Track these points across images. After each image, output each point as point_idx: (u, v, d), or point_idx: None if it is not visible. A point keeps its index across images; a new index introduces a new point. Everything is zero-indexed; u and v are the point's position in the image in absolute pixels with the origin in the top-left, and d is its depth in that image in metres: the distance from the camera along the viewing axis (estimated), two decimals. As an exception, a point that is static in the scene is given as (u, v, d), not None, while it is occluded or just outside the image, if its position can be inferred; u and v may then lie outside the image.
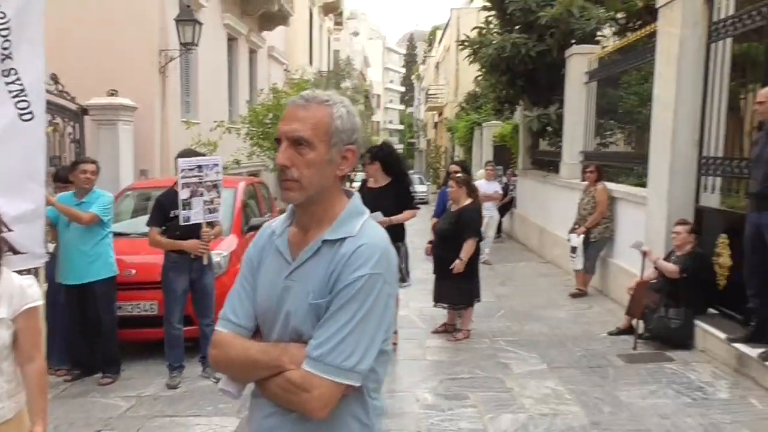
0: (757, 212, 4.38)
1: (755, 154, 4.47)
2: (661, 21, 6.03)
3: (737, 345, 4.63)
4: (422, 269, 6.43)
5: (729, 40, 5.28)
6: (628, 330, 5.69)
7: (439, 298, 5.97)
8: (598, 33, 10.63)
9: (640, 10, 9.23)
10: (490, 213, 10.24)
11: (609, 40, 10.73)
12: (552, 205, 10.09)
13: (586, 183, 7.70)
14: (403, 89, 74.66)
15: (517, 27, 11.01)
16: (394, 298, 1.50)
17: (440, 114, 37.08)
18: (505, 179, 13.15)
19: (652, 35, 6.40)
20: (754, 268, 4.47)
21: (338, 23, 31.97)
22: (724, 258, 5.15)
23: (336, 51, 31.90)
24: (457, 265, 5.63)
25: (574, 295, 7.46)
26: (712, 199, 5.60)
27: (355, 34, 47.29)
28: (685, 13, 5.53)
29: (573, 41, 10.05)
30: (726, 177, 5.35)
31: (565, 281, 8.17)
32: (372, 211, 1.62)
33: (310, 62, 22.29)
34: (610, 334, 5.85)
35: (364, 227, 1.49)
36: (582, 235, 7.30)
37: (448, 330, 6.01)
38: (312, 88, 15.14)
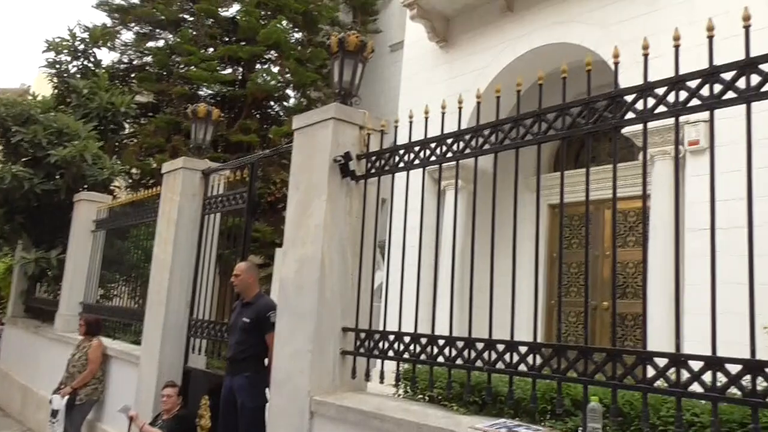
0: (231, 376, 4.72)
1: (232, 321, 4.91)
2: (164, 186, 6.35)
3: None
4: None
5: (219, 215, 5.89)
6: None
7: None
8: (113, 183, 10.62)
9: (153, 170, 9.69)
10: (-42, 370, 8.50)
11: (124, 191, 10.83)
12: (42, 361, 8.95)
13: (81, 338, 7.16)
14: None
15: (24, 159, 10.10)
16: None
17: None
18: (-11, 327, 11.31)
19: (159, 196, 6.67)
20: (227, 429, 4.71)
21: None
22: (205, 420, 5.30)
23: None
24: None
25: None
26: (199, 360, 5.83)
27: None
28: (185, 184, 5.98)
29: (85, 186, 9.74)
30: (211, 340, 5.69)
31: (46, 452, 7.13)
32: None
33: None
34: None
35: None
36: (67, 396, 6.59)
37: None
38: None
